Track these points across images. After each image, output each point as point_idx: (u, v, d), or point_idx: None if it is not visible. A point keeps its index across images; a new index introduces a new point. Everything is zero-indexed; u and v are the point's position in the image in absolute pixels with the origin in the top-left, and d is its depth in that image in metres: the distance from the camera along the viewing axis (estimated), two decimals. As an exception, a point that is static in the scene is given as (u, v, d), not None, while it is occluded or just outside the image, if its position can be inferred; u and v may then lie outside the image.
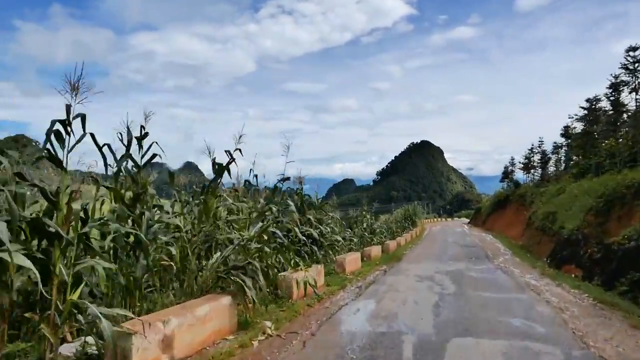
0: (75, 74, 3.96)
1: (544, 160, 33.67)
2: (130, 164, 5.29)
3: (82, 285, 3.88)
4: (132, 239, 5.01)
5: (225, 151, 5.90)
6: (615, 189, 14.19)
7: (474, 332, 5.80)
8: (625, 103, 18.93)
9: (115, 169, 5.23)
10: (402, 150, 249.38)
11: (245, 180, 8.28)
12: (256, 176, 8.47)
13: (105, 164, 5.07)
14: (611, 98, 19.57)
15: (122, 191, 5.17)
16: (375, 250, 16.12)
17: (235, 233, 6.03)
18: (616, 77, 18.83)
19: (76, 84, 3.91)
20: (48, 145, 3.95)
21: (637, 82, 17.61)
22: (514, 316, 6.70)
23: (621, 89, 18.72)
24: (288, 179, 7.12)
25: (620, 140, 19.38)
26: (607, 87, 19.16)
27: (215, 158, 6.25)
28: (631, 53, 17.51)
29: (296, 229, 8.29)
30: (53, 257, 3.70)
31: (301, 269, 8.16)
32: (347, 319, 6.70)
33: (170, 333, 4.23)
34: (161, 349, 4.10)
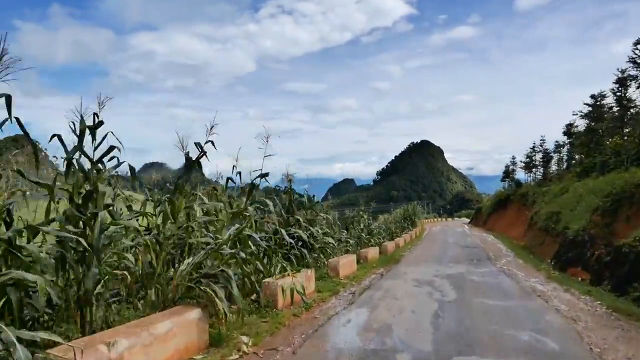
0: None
1: (546, 159, 32.98)
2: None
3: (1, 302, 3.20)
4: (83, 244, 4.31)
5: (195, 144, 5.21)
6: (623, 188, 13.53)
7: (478, 349, 5.11)
8: (633, 98, 18.23)
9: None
10: (402, 150, 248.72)
11: (228, 178, 7.61)
12: (239, 173, 7.80)
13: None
14: (617, 94, 18.86)
15: (75, 189, 4.48)
16: (372, 252, 15.43)
17: (208, 236, 5.34)
18: (623, 71, 18.13)
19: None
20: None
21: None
22: (522, 328, 6.01)
23: (628, 84, 18.01)
24: (266, 175, 6.41)
25: (627, 137, 18.68)
26: (613, 82, 18.46)
27: (188, 152, 5.58)
28: (639, 46, 16.80)
29: (282, 231, 7.60)
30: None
31: (288, 275, 7.49)
32: (336, 331, 6.01)
33: (117, 358, 3.55)
34: (105, 378, 3.42)
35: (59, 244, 4.17)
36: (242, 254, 5.10)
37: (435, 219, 72.21)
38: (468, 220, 60.51)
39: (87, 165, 4.60)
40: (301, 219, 8.51)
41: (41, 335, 3.04)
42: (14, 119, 3.47)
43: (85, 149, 4.55)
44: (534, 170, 35.70)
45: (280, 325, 6.21)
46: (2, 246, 3.47)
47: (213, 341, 4.98)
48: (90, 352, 3.32)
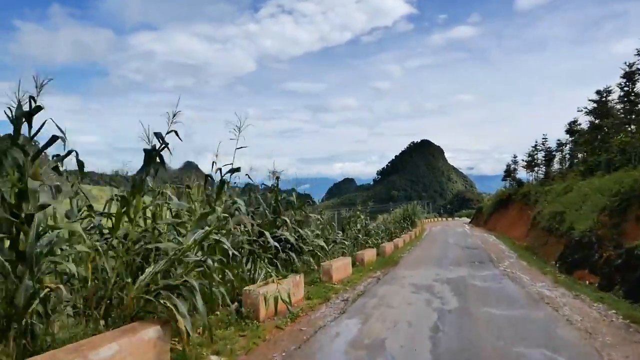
0: None
1: (549, 157, 32.25)
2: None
3: None
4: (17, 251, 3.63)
5: (155, 134, 4.51)
6: (632, 187, 12.88)
7: (484, 371, 4.43)
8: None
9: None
10: (403, 149, 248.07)
11: (207, 176, 6.91)
12: (220, 170, 7.10)
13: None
14: (625, 89, 18.13)
15: (12, 188, 3.79)
16: (369, 254, 14.72)
17: (175, 241, 4.65)
18: (630, 65, 17.39)
19: None
20: None
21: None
22: (533, 344, 5.30)
23: (636, 78, 17.27)
24: (238, 170, 5.67)
25: (634, 134, 17.97)
26: (620, 77, 17.71)
27: (155, 146, 4.87)
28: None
29: (267, 233, 6.91)
30: None
31: (273, 281, 6.80)
32: (322, 348, 5.32)
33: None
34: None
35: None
36: (210, 262, 4.41)
37: (436, 219, 71.40)
38: (468, 220, 59.81)
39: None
40: (288, 220, 7.82)
41: None
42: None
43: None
44: (535, 169, 35.00)
45: (260, 340, 5.53)
46: None
47: (177, 363, 4.29)
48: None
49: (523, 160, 36.45)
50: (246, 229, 7.48)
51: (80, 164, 4.33)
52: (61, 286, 3.71)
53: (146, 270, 4.46)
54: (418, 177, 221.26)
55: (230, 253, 4.48)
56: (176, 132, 4.53)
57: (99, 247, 4.21)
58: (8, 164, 3.69)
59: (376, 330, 6.04)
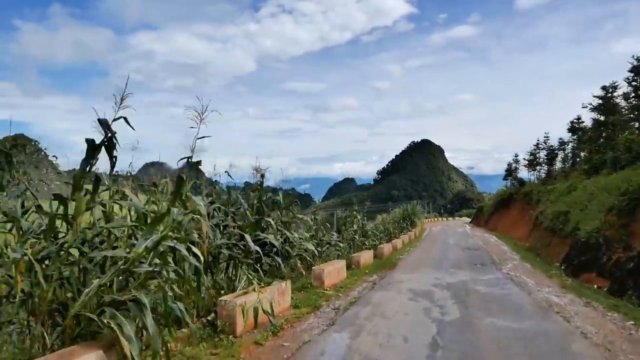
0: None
1: (551, 156, 31.59)
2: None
3: None
4: None
5: (98, 120, 3.79)
6: (642, 186, 12.23)
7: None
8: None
9: None
10: (403, 149, 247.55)
11: (179, 176, 6.21)
12: (198, 164, 6.40)
13: None
14: (633, 83, 17.42)
15: None
16: (365, 256, 14.02)
17: (121, 249, 3.95)
18: (639, 59, 16.67)
19: None
20: None
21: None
22: (546, 365, 4.62)
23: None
24: (198, 163, 4.96)
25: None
26: (628, 71, 17.00)
27: (101, 138, 4.13)
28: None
29: (247, 237, 6.21)
30: None
31: (254, 290, 6.11)
32: (303, 369, 4.63)
33: None
34: None
35: None
36: (166, 272, 3.71)
37: (436, 219, 70.75)
38: (469, 219, 59.21)
39: None
40: (272, 222, 7.11)
41: None
42: None
43: None
44: (537, 168, 34.36)
45: (234, 359, 4.84)
46: None
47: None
48: None
49: (525, 159, 35.88)
50: (226, 232, 6.80)
51: (8, 155, 3.63)
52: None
53: (94, 282, 3.77)
54: (418, 176, 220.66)
55: (189, 263, 3.78)
56: (125, 119, 3.84)
57: (30, 255, 3.51)
58: None
59: (367, 346, 5.33)
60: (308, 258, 8.57)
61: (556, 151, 31.73)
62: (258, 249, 6.30)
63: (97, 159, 3.76)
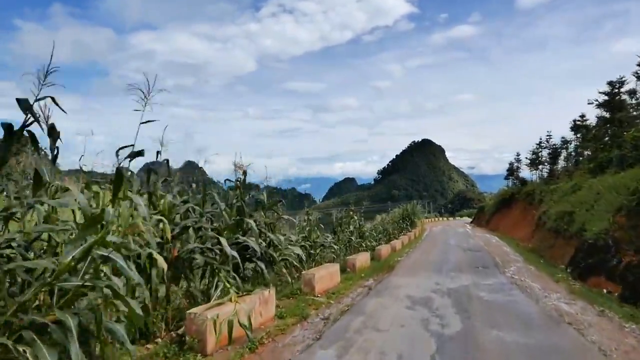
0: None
1: (554, 155, 30.91)
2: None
3: None
4: None
5: (17, 99, 3.09)
6: (654, 184, 11.60)
7: None
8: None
9: None
10: (404, 149, 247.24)
11: (148, 167, 5.54)
12: (167, 161, 5.73)
13: None
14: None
15: None
16: (362, 259, 13.32)
17: (48, 259, 3.25)
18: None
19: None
20: None
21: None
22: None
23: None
24: (141, 153, 4.22)
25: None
26: (637, 65, 16.29)
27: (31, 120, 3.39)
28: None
29: (223, 240, 5.52)
30: None
31: (231, 300, 5.42)
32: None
33: None
34: None
35: None
36: (102, 287, 3.01)
37: (436, 219, 70.13)
38: (470, 220, 58.60)
39: None
40: (253, 224, 6.39)
41: None
42: None
43: None
44: (540, 167, 33.70)
45: (199, 385, 4.16)
46: None
47: None
48: None
49: (527, 158, 35.20)
50: (200, 235, 6.11)
51: None
52: None
53: (15, 299, 3.08)
54: (419, 176, 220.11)
55: (130, 276, 3.09)
56: (53, 99, 3.15)
57: None
58: None
59: (355, 367, 4.65)
60: (295, 263, 7.86)
61: (559, 150, 31.07)
62: (235, 254, 5.60)
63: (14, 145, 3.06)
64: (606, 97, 20.09)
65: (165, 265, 4.46)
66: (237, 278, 5.74)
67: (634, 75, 17.18)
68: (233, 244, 6.23)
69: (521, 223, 28.66)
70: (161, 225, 4.99)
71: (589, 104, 21.32)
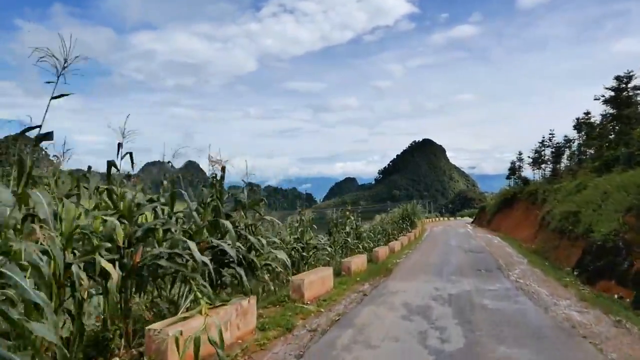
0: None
1: (557, 153, 30.20)
2: None
3: None
4: None
5: None
6: (666, 183, 10.95)
7: None
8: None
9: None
10: (404, 148, 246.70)
11: (109, 164, 4.87)
12: (131, 155, 5.04)
13: None
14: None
15: None
16: (357, 262, 12.63)
17: None
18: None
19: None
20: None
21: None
22: None
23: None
24: (48, 137, 3.44)
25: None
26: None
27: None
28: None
29: (192, 244, 4.84)
30: None
31: (201, 312, 4.74)
32: None
33: None
34: None
35: None
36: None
37: (437, 219, 69.46)
38: (471, 220, 57.97)
39: None
40: (230, 225, 5.67)
41: None
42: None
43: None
44: (543, 166, 33.01)
45: (150, 420, 3.48)
46: None
47: None
48: None
49: (529, 157, 34.52)
50: (168, 238, 5.42)
51: None
52: None
53: None
54: (420, 176, 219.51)
55: (27, 296, 2.43)
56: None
57: None
58: None
59: (340, 395, 3.96)
60: (280, 269, 7.16)
61: (562, 148, 30.36)
62: (206, 259, 4.92)
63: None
64: (612, 93, 19.36)
65: (115, 274, 3.78)
66: (208, 286, 5.04)
67: (644, 69, 16.47)
68: (208, 248, 5.55)
69: (524, 223, 28.07)
70: (118, 227, 4.30)
71: (595, 99, 20.60)
